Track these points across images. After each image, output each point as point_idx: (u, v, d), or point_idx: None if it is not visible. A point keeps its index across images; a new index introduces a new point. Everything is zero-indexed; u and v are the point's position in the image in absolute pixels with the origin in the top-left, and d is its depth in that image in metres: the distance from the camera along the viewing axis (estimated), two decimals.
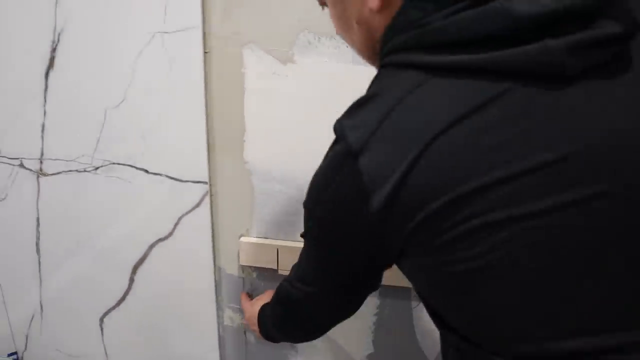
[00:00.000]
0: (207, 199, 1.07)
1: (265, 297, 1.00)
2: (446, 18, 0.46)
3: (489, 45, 0.45)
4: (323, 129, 0.98)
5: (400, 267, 0.58)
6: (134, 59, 1.01)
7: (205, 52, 0.98)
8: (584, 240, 0.45)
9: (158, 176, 1.08)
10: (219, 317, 1.19)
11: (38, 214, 1.18)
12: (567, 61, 0.43)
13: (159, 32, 0.98)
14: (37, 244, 1.22)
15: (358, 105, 0.53)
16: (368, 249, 0.55)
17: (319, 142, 0.99)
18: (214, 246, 1.12)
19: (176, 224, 1.11)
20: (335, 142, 0.54)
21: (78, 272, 1.22)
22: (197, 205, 1.08)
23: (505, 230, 0.45)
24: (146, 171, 1.09)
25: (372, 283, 0.66)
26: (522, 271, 0.47)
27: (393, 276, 1.04)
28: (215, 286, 1.15)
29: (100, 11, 0.99)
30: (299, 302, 0.72)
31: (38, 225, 1.20)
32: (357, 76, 0.93)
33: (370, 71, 0.91)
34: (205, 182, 1.06)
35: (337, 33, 0.64)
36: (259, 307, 0.92)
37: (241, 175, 1.05)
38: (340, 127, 0.53)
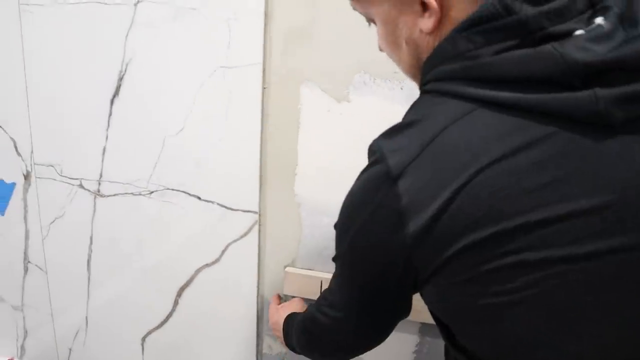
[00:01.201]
0: (256, 228, 1.10)
1: (294, 306, 1.01)
2: (497, 54, 0.48)
3: (538, 86, 0.46)
4: None
5: (423, 292, 0.58)
6: (196, 91, 1.06)
7: (263, 88, 1.02)
8: (614, 286, 0.47)
9: (210, 203, 1.12)
10: (258, 344, 1.21)
11: (92, 233, 1.23)
12: (614, 112, 0.45)
13: (221, 66, 1.03)
14: (89, 261, 1.26)
15: (398, 129, 0.54)
16: (399, 273, 0.55)
17: None
18: (259, 275, 1.14)
19: (224, 251, 1.14)
20: (372, 164, 0.54)
21: (125, 291, 1.26)
22: (246, 233, 1.11)
23: (542, 270, 0.47)
24: (198, 198, 1.12)
25: (400, 309, 0.65)
26: (553, 310, 0.48)
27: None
28: (257, 314, 1.17)
29: (167, 45, 1.05)
30: (326, 327, 0.71)
31: (91, 243, 1.24)
32: None
33: None
34: (255, 212, 1.09)
35: (380, 50, 0.65)
36: (286, 315, 0.92)
37: (290, 207, 1.08)
38: (379, 149, 0.53)
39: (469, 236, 0.47)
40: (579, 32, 0.46)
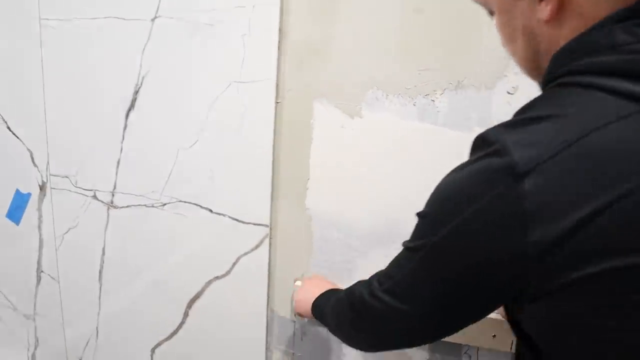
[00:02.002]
0: (267, 242, 1.11)
1: (323, 284, 0.97)
2: None
3: None
4: (384, 182, 1.01)
5: (521, 307, 0.51)
6: (209, 105, 1.07)
7: (276, 102, 1.03)
8: None
9: (221, 216, 1.13)
10: (267, 358, 1.21)
11: (104, 244, 1.25)
12: None
13: (235, 81, 1.04)
14: (100, 272, 1.27)
15: (525, 122, 0.48)
16: (502, 280, 0.49)
17: (379, 194, 1.02)
18: (269, 288, 1.14)
19: (234, 264, 1.15)
20: (488, 155, 0.48)
21: (135, 303, 1.27)
22: (256, 247, 1.12)
23: None
24: (210, 210, 1.13)
25: (477, 316, 0.58)
26: None
27: None
28: (267, 327, 1.17)
29: (182, 59, 1.07)
30: (377, 313, 0.64)
31: (103, 254, 1.26)
32: (422, 133, 0.97)
33: (435, 129, 0.94)
34: (266, 225, 1.10)
35: (502, 45, 0.60)
36: (319, 293, 0.89)
37: (301, 221, 1.08)
38: (500, 140, 0.47)
39: (614, 260, 0.42)
40: None
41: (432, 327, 0.61)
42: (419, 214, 0.57)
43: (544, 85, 0.53)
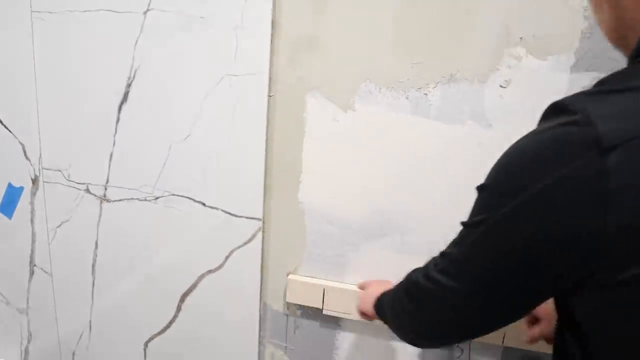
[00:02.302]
0: (259, 235, 1.11)
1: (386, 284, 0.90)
2: None
3: None
4: (377, 176, 1.01)
5: (579, 295, 0.48)
6: (202, 98, 1.07)
7: (269, 96, 1.03)
8: None
9: (214, 210, 1.13)
10: (260, 352, 1.21)
11: (97, 238, 1.24)
12: None
13: (227, 74, 1.04)
14: (94, 266, 1.27)
15: (610, 93, 0.45)
16: (564, 261, 0.45)
17: (372, 188, 1.02)
18: (261, 282, 1.14)
19: (227, 257, 1.15)
20: (566, 124, 0.44)
21: (128, 296, 1.26)
22: (249, 240, 1.12)
23: None
24: (203, 204, 1.13)
25: (528, 307, 0.54)
26: None
27: None
28: (260, 321, 1.17)
29: (175, 52, 1.06)
30: (429, 295, 0.60)
31: (96, 247, 1.25)
32: (415, 127, 0.97)
33: (431, 123, 0.94)
34: (258, 219, 1.10)
35: (592, 13, 0.57)
36: (381, 290, 0.82)
37: (294, 215, 1.08)
38: (582, 109, 0.43)
39: None
40: None
41: (483, 313, 0.56)
42: (479, 187, 0.53)
43: (631, 60, 0.50)
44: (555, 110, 0.46)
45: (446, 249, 0.59)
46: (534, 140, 0.47)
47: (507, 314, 0.56)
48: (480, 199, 0.53)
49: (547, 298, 0.53)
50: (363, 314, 0.92)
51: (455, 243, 0.58)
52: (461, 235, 0.57)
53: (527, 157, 0.47)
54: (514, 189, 0.47)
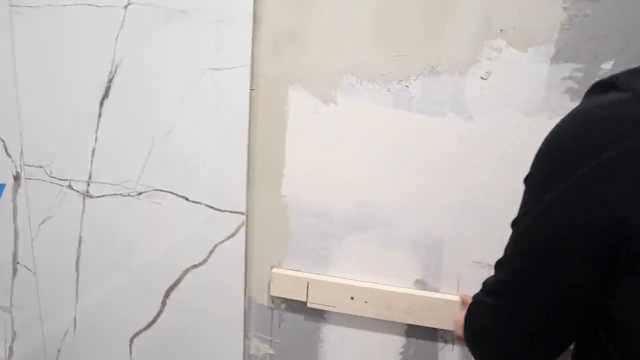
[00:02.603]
0: (243, 229, 1.11)
1: None
2: None
3: None
4: (360, 168, 1.01)
5: (617, 282, 0.45)
6: (184, 93, 1.06)
7: (251, 89, 1.03)
8: None
9: (197, 204, 1.12)
10: (246, 345, 1.21)
11: (81, 234, 1.24)
12: None
13: (209, 68, 1.04)
14: (77, 262, 1.26)
15: None
16: (609, 242, 0.43)
17: (354, 180, 1.02)
18: (246, 275, 1.14)
19: (211, 252, 1.14)
20: (620, 102, 0.42)
21: (113, 293, 1.26)
22: (233, 235, 1.12)
23: None
24: (186, 199, 1.13)
25: (579, 316, 0.50)
26: None
27: (420, 315, 1.05)
28: (244, 315, 1.17)
29: (156, 47, 1.06)
30: (484, 310, 0.58)
31: (79, 244, 1.25)
32: (396, 119, 0.97)
33: (412, 115, 0.95)
34: (242, 213, 1.10)
35: None
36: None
37: (277, 209, 1.08)
38: (630, 86, 0.42)
39: None
40: None
41: (530, 326, 0.52)
42: (526, 179, 0.50)
43: None
44: (603, 87, 0.45)
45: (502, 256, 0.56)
46: (581, 119, 0.45)
47: (569, 323, 0.52)
48: (527, 191, 0.49)
49: (594, 290, 0.48)
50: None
51: (506, 246, 0.54)
52: (510, 236, 0.53)
53: (578, 134, 0.44)
54: (561, 170, 0.45)
